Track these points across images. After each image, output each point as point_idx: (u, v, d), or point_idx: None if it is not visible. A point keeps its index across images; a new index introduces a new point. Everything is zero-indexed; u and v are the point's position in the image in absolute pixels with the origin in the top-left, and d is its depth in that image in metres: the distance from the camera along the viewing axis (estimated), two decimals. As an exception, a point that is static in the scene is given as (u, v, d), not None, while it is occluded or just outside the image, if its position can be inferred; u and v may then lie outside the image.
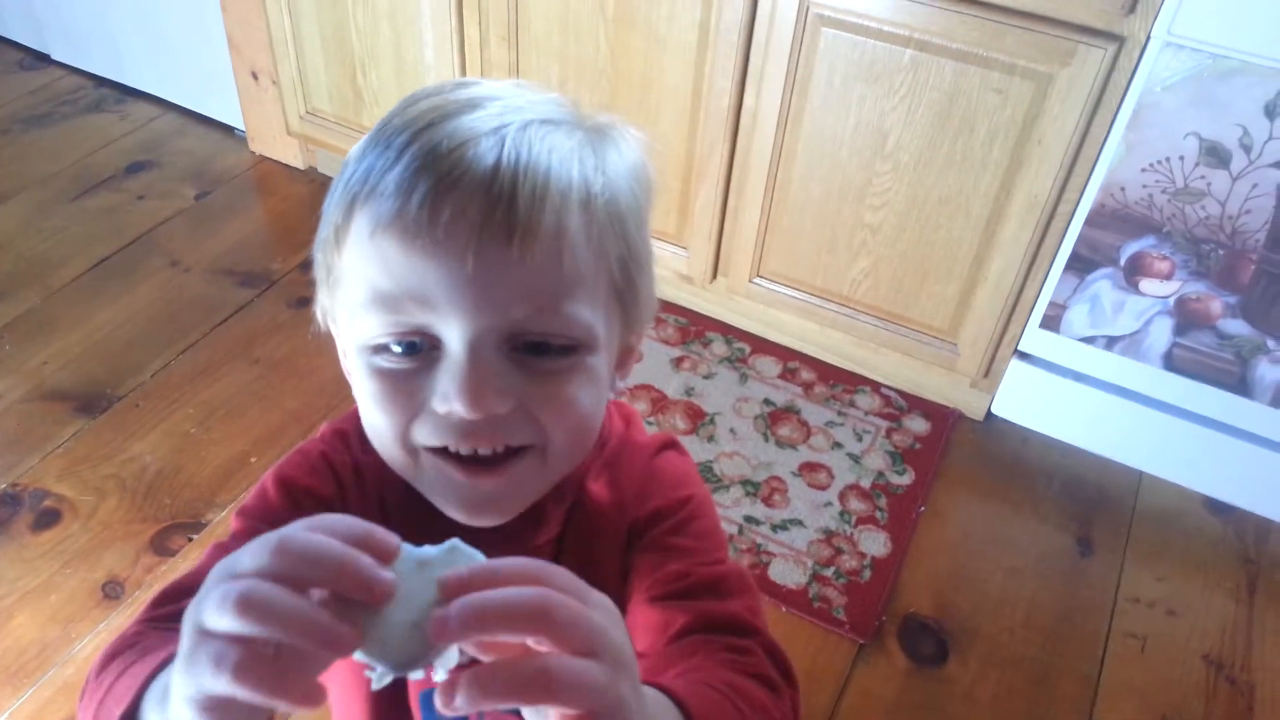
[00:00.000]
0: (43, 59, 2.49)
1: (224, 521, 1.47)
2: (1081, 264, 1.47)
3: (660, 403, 1.71)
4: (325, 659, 0.37)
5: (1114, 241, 1.43)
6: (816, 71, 1.46)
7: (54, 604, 1.35)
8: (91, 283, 1.87)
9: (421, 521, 0.58)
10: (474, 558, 0.40)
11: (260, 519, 0.63)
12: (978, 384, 1.67)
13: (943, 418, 1.72)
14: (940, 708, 1.32)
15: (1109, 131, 1.35)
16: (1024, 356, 1.62)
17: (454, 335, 0.50)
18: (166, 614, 0.58)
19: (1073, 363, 1.58)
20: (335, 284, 0.55)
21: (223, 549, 0.62)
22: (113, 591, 1.37)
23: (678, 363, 1.79)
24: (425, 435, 0.53)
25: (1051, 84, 1.33)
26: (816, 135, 1.52)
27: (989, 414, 1.72)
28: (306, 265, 0.53)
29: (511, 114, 0.52)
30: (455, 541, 0.40)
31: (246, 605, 0.35)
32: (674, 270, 1.78)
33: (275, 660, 0.36)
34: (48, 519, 1.46)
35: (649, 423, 1.66)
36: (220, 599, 0.36)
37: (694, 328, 1.86)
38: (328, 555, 0.37)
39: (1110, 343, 1.52)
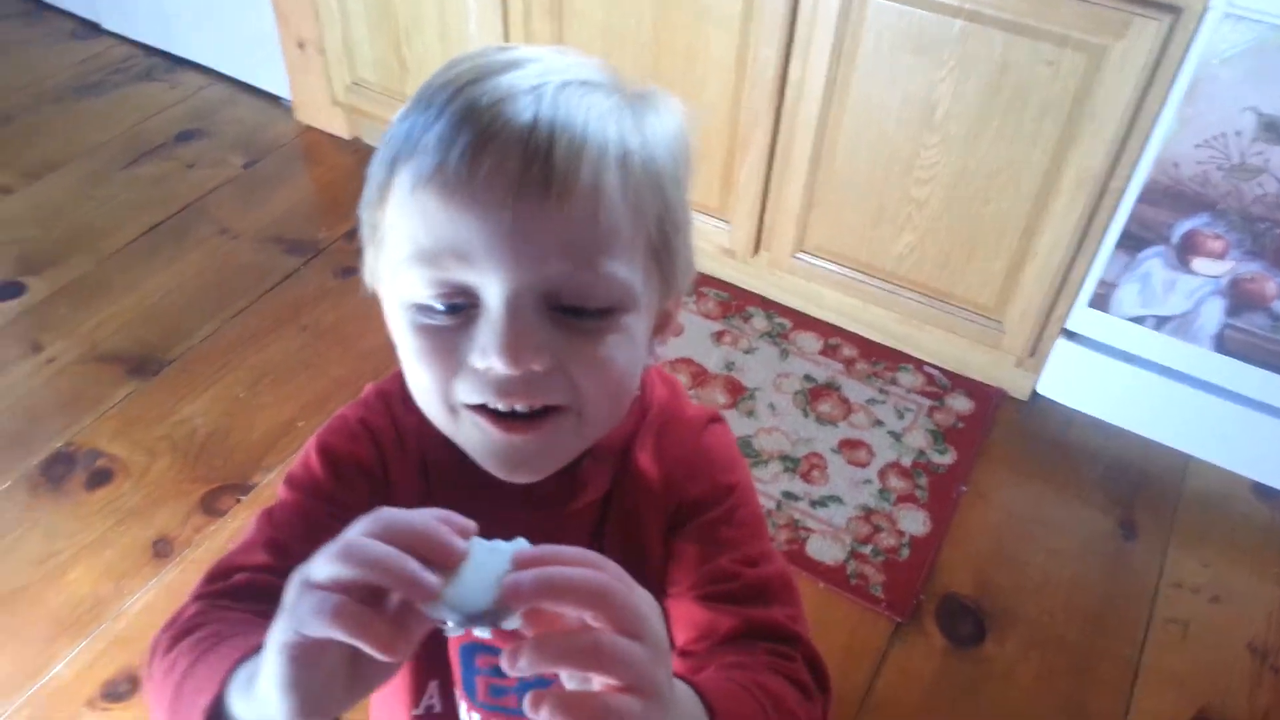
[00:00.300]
0: (94, 28, 2.53)
1: (272, 484, 1.50)
2: (1132, 242, 1.44)
3: (700, 377, 1.71)
4: (413, 618, 0.42)
5: (1166, 219, 1.40)
6: (864, 42, 1.44)
7: (108, 560, 1.39)
8: (143, 249, 1.91)
9: (461, 481, 0.59)
10: None
11: (305, 489, 0.64)
12: (1023, 363, 1.64)
13: (986, 397, 1.70)
14: (977, 688, 1.32)
15: (1163, 105, 1.31)
16: (1071, 336, 1.60)
17: (493, 291, 0.51)
18: (219, 590, 0.60)
19: (1121, 343, 1.55)
20: (380, 243, 0.56)
21: (269, 516, 0.64)
22: (163, 550, 1.41)
23: (718, 337, 1.79)
24: (465, 392, 0.54)
25: (1105, 56, 1.30)
26: (863, 106, 1.50)
27: (1034, 394, 1.70)
28: (352, 234, 0.54)
29: (551, 74, 0.52)
30: (522, 540, 0.45)
31: (347, 552, 0.41)
32: (716, 244, 1.77)
33: (369, 610, 0.41)
34: (101, 478, 1.50)
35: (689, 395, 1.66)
36: (327, 554, 0.41)
37: (735, 302, 1.85)
38: (415, 524, 0.42)
39: (1160, 323, 1.49)
